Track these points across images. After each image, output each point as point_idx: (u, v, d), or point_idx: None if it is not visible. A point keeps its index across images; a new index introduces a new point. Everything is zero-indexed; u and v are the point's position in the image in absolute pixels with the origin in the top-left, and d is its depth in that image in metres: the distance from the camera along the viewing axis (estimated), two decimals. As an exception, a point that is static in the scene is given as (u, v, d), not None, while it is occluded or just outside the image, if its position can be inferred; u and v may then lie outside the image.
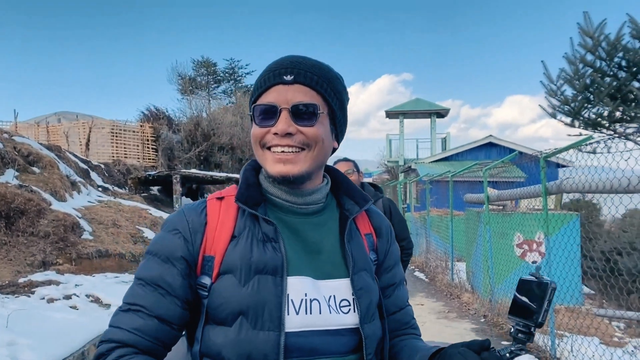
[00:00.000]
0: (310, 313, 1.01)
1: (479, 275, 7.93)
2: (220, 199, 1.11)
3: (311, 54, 1.12)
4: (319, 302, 1.02)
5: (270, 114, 1.04)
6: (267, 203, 1.10)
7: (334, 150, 1.15)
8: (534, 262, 7.29)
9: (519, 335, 0.96)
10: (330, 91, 1.07)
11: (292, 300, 1.00)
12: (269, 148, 1.05)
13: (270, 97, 1.04)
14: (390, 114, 27.59)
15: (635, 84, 7.80)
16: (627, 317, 6.90)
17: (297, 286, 1.01)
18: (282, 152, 1.03)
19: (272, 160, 1.04)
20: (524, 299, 0.99)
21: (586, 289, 8.11)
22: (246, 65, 37.33)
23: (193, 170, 16.37)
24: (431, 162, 22.33)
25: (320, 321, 1.01)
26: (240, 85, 34.84)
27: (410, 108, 27.13)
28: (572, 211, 8.08)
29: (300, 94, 1.03)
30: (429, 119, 26.99)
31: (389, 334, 1.17)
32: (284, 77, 1.04)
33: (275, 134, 1.02)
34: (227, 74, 35.27)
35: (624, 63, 7.83)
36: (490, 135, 22.68)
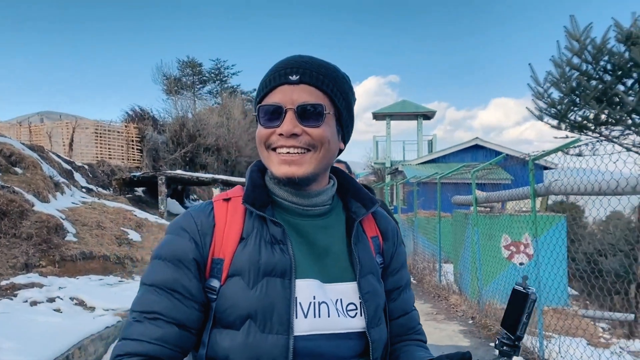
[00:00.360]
0: (319, 316, 0.99)
1: (467, 277, 7.95)
2: (227, 200, 1.08)
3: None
4: (327, 306, 1.00)
5: (275, 114, 1.01)
6: (274, 205, 1.08)
7: (341, 151, 1.13)
8: (521, 263, 7.33)
9: (504, 347, 0.96)
10: (337, 91, 1.05)
11: (300, 303, 0.99)
12: (274, 149, 1.03)
13: (276, 97, 1.02)
14: (377, 116, 27.72)
15: (621, 87, 7.92)
16: (615, 318, 6.98)
17: (305, 289, 1.00)
18: (288, 153, 1.01)
19: (278, 161, 1.02)
20: (510, 309, 0.98)
21: (570, 290, 8.18)
22: (232, 65, 37.17)
23: (178, 172, 16.25)
24: (418, 164, 22.43)
25: (328, 325, 0.99)
26: (226, 85, 34.73)
27: (396, 110, 27.28)
28: (556, 213, 8.15)
29: (305, 94, 1.01)
30: (416, 121, 27.15)
31: (394, 338, 1.16)
32: (290, 77, 1.01)
33: (281, 134, 1.00)
34: (212, 75, 35.13)
35: (609, 66, 7.95)
36: (477, 138, 22.84)
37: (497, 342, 0.97)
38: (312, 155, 1.02)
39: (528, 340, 5.30)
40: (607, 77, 7.88)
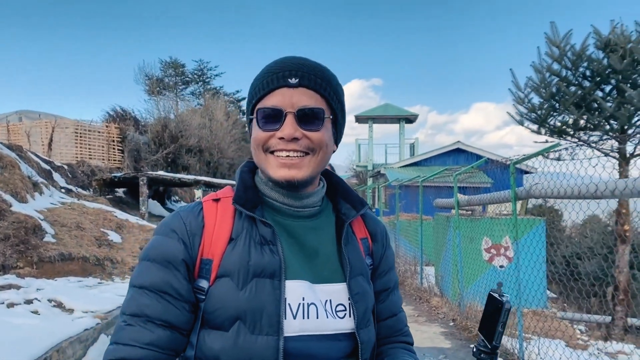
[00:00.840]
0: (308, 317, 0.99)
1: (448, 280, 8.02)
2: (217, 200, 1.08)
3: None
4: (316, 307, 1.00)
5: (275, 117, 1.01)
6: (264, 205, 1.08)
7: (333, 152, 1.13)
8: (501, 266, 7.42)
9: (482, 355, 0.97)
10: (333, 95, 1.05)
11: (289, 304, 0.98)
12: (272, 152, 1.02)
13: (275, 100, 1.01)
14: (359, 119, 27.81)
15: (599, 93, 8.09)
16: (592, 320, 7.10)
17: (295, 290, 1.00)
18: (287, 156, 1.01)
19: (277, 164, 1.02)
20: (486, 315, 0.98)
21: (549, 293, 8.30)
22: (215, 67, 37.13)
23: (160, 173, 16.09)
24: (400, 167, 22.55)
25: (317, 326, 0.99)
26: (209, 87, 34.56)
27: (379, 113, 27.41)
28: (535, 216, 8.26)
29: (305, 98, 1.01)
30: (398, 124, 27.30)
31: (381, 340, 1.16)
32: (289, 79, 1.01)
33: (281, 138, 1.00)
34: (195, 76, 34.95)
35: (588, 73, 8.12)
36: (459, 142, 23.03)
37: (474, 350, 0.97)
38: (310, 159, 1.02)
39: (508, 342, 5.36)
40: (586, 83, 8.04)
